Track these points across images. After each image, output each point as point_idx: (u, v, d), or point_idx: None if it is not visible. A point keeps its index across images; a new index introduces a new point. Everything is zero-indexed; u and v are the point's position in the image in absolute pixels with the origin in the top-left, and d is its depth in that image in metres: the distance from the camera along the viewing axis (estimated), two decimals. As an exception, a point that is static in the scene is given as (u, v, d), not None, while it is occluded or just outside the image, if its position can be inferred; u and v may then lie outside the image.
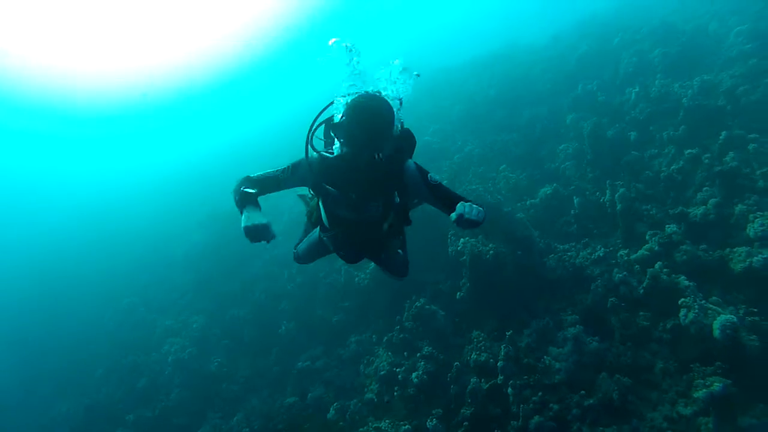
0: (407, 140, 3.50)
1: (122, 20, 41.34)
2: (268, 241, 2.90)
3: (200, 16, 43.77)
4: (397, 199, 3.55)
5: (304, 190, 3.89)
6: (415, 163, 3.42)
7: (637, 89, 13.50)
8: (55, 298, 21.09)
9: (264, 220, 2.86)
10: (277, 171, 3.39)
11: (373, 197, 3.41)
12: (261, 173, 3.36)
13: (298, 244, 4.59)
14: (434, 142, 17.02)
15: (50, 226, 28.87)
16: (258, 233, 2.82)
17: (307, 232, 4.53)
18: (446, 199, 3.28)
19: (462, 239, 10.70)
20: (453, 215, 2.81)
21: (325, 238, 3.98)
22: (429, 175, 3.34)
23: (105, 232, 24.71)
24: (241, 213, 2.98)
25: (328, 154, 3.37)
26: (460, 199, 3.19)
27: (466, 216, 2.75)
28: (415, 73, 3.62)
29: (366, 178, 3.26)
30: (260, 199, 3.18)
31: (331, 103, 3.43)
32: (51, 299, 21.15)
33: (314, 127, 3.42)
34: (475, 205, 2.85)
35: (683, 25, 16.05)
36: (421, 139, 16.64)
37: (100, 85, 45.04)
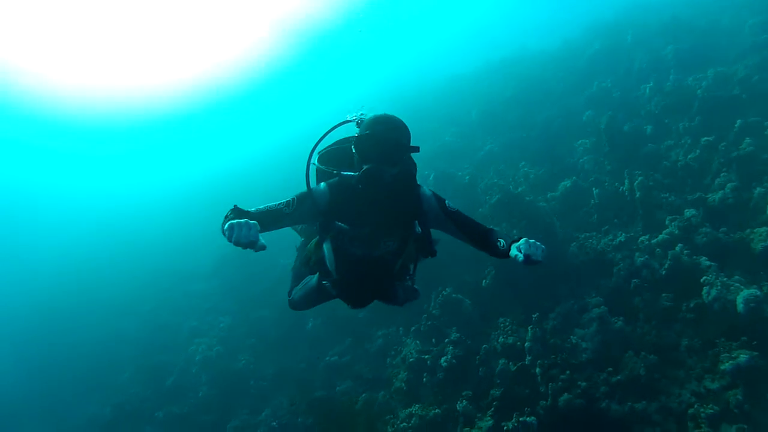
0: (413, 166, 3.26)
1: (139, 36, 42.14)
2: (255, 249, 2.41)
3: (215, 29, 44.38)
4: (419, 229, 3.24)
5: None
6: (430, 189, 3.20)
7: (651, 84, 13.73)
8: (78, 306, 21.34)
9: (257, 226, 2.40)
10: (280, 204, 2.94)
11: (389, 231, 3.13)
12: (260, 206, 2.94)
13: (292, 289, 4.06)
14: (454, 142, 17.32)
15: (76, 237, 29.37)
16: (249, 232, 2.35)
17: (300, 276, 4.03)
18: (466, 226, 3.11)
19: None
20: (520, 256, 2.57)
21: (327, 284, 3.51)
22: (446, 201, 3.15)
23: (129, 243, 25.05)
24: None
25: (348, 173, 2.98)
26: (480, 226, 3.10)
27: (533, 257, 2.55)
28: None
29: (384, 206, 2.99)
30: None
31: (340, 124, 3.25)
32: (74, 307, 21.42)
33: (313, 152, 3.19)
34: (537, 242, 2.62)
35: (696, 21, 16.30)
36: (441, 140, 17.19)
37: (124, 100, 45.90)
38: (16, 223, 36.56)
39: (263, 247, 2.40)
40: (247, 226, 2.34)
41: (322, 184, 3.11)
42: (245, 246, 2.36)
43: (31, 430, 16.78)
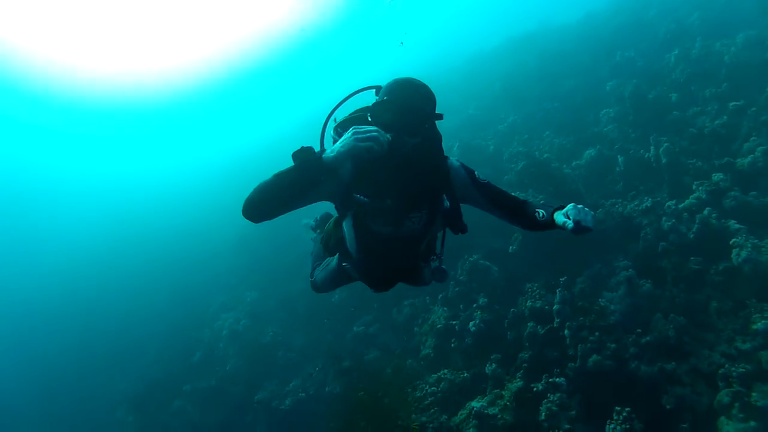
0: (437, 134, 2.92)
1: (156, 19, 42.46)
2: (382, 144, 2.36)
3: (225, 12, 44.54)
4: (447, 203, 2.91)
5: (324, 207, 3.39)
6: (458, 160, 2.96)
7: (676, 52, 13.54)
8: (110, 286, 21.74)
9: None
10: None
11: (416, 204, 2.85)
12: None
13: (314, 271, 3.91)
14: (477, 115, 17.33)
15: (105, 220, 29.86)
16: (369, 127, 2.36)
17: (319, 257, 3.93)
18: (499, 198, 2.87)
19: (513, 193, 10.97)
20: (569, 223, 2.33)
21: (348, 266, 3.35)
22: (476, 172, 2.92)
23: (157, 224, 25.38)
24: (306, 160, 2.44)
25: None
26: (513, 198, 2.89)
27: (583, 224, 2.32)
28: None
29: (406, 178, 2.73)
30: (278, 219, 2.59)
31: (361, 90, 2.99)
32: (107, 287, 21.81)
33: (328, 121, 2.98)
34: (585, 208, 2.41)
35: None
36: (464, 113, 17.18)
37: (145, 85, 46.48)
38: (51, 206, 37.38)
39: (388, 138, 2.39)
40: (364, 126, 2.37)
41: None
42: (380, 142, 2.35)
43: (64, 405, 17.24)
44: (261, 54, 48.70)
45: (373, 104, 2.67)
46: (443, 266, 3.45)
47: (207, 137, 41.83)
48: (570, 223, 2.32)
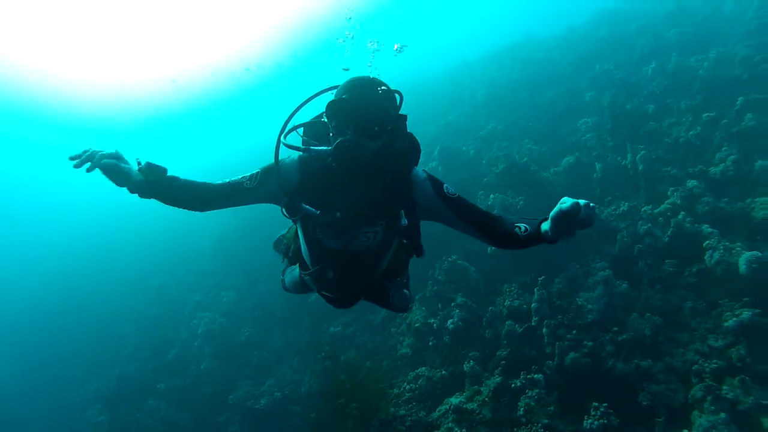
0: (411, 143, 2.76)
1: (142, 32, 42.36)
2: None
3: (217, 22, 44.56)
4: (405, 221, 2.60)
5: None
6: (425, 171, 2.67)
7: (653, 65, 13.89)
8: (87, 287, 21.38)
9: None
10: (242, 177, 2.63)
11: (369, 219, 2.59)
12: (225, 180, 2.66)
13: (285, 270, 3.67)
14: (458, 122, 17.46)
15: (81, 222, 29.56)
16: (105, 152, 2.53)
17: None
18: (470, 215, 2.55)
19: (492, 195, 11.13)
20: (564, 206, 1.89)
21: (306, 278, 3.08)
22: (444, 186, 2.60)
23: (135, 225, 25.07)
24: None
25: (319, 148, 2.54)
26: (485, 214, 2.56)
27: (584, 212, 1.89)
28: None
29: (361, 188, 2.52)
30: (226, 211, 2.61)
31: (319, 93, 2.76)
32: (83, 288, 21.45)
33: (289, 123, 2.72)
34: (590, 203, 1.93)
35: (699, 7, 16.50)
36: (446, 119, 17.32)
37: (124, 97, 46.45)
38: (33, 211, 37.01)
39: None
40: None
41: (295, 155, 2.65)
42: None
43: (38, 406, 16.82)
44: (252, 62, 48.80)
45: (328, 103, 2.43)
46: (406, 290, 3.20)
47: (186, 144, 41.76)
48: (564, 206, 1.89)
